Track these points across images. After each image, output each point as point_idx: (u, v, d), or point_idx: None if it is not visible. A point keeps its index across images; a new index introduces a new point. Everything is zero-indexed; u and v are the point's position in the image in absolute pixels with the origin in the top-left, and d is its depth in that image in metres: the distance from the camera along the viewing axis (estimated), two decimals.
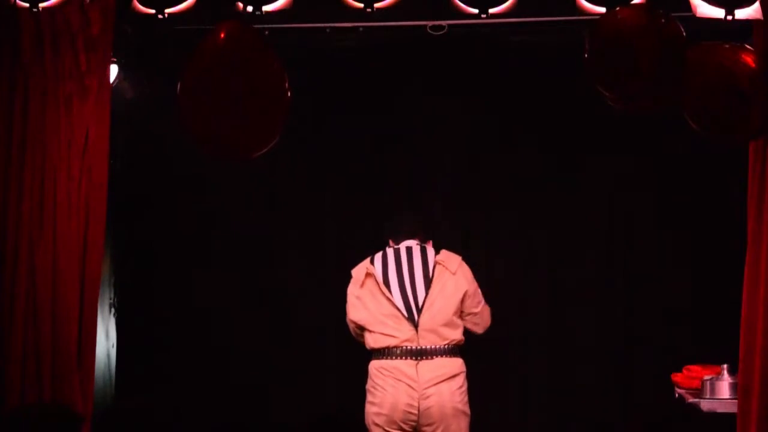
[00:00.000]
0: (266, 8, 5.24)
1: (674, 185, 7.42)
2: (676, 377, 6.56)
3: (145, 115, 7.20)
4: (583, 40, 5.10)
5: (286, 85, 5.06)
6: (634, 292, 7.44)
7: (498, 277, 7.32)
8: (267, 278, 7.56)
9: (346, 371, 7.11)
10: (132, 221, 7.50)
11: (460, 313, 6.27)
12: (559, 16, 6.09)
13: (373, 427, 6.16)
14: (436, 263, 6.28)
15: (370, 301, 6.27)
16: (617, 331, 7.42)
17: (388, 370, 6.18)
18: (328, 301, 7.19)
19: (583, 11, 5.43)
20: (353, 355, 6.54)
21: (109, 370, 7.32)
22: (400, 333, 6.19)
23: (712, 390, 6.21)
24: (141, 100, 7.03)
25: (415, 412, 6.14)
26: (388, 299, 6.23)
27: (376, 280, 6.26)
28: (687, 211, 7.39)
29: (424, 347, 6.18)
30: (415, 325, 6.18)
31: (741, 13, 5.27)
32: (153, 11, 5.43)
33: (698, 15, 5.30)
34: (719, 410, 6.10)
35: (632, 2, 5.13)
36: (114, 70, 6.28)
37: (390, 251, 6.35)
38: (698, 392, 6.29)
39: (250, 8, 5.23)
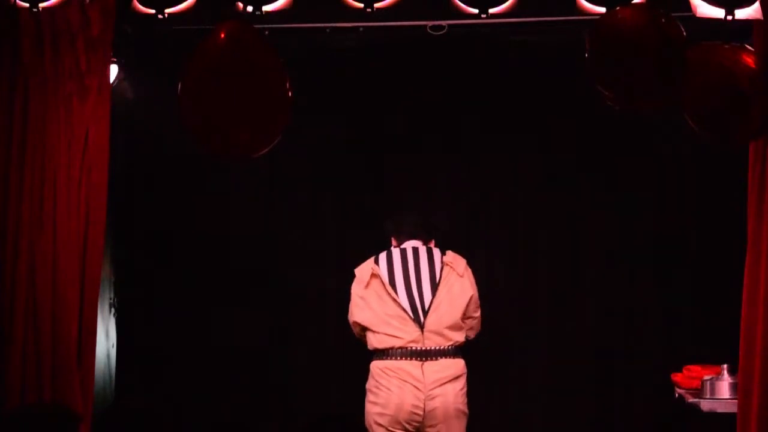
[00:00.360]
0: (266, 8, 5.24)
1: (674, 185, 7.43)
2: (676, 377, 6.55)
3: (145, 115, 7.21)
4: (583, 40, 5.10)
5: (287, 85, 5.06)
6: (634, 292, 7.44)
7: (498, 277, 7.33)
8: (267, 278, 7.55)
9: (347, 371, 7.09)
10: (132, 221, 7.50)
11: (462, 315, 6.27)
12: (559, 16, 6.08)
13: (374, 427, 6.14)
14: (443, 265, 6.27)
15: (374, 301, 6.25)
16: (617, 331, 7.42)
17: (392, 371, 6.16)
18: (328, 301, 7.19)
19: (583, 11, 5.42)
20: (353, 355, 6.53)
21: (109, 370, 7.32)
22: (405, 334, 6.18)
23: (712, 390, 6.20)
24: (141, 100, 7.04)
25: (421, 412, 6.13)
26: (394, 300, 6.21)
27: (381, 281, 6.24)
28: (687, 211, 7.39)
29: (428, 348, 6.17)
30: (421, 327, 6.18)
31: (741, 13, 5.26)
32: (153, 11, 5.42)
33: (698, 15, 5.29)
34: (719, 410, 6.10)
35: (632, 2, 5.13)
36: (114, 70, 6.27)
37: (396, 251, 6.34)
38: (698, 392, 6.28)
39: (250, 8, 5.22)
